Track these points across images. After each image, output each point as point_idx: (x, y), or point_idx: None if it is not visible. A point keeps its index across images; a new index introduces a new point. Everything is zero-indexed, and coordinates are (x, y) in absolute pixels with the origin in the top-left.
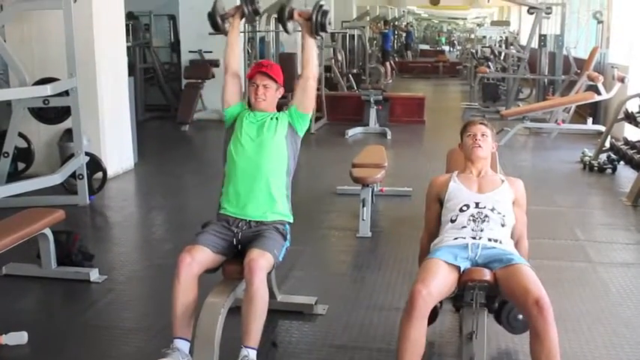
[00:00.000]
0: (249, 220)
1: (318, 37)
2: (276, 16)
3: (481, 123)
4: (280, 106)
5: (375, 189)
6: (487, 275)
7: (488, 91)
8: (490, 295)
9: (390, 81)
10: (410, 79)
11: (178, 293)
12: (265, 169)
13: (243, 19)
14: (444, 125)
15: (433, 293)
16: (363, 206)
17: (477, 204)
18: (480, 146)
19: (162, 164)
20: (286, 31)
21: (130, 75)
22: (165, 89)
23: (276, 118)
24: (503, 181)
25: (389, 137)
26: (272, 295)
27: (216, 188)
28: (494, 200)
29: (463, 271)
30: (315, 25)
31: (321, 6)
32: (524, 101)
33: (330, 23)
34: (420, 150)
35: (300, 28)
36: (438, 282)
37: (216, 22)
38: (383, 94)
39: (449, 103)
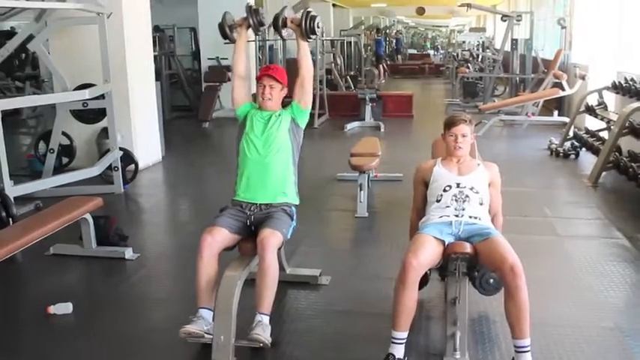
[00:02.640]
0: (260, 204)
1: (311, 40)
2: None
3: (462, 120)
4: (285, 105)
5: (371, 175)
6: (468, 248)
7: (467, 88)
8: (471, 265)
9: (383, 81)
10: (400, 80)
11: (201, 268)
12: (272, 159)
13: (250, 29)
14: (430, 119)
15: (423, 263)
16: (361, 190)
17: (457, 184)
18: (460, 147)
19: (186, 157)
20: (281, 37)
21: (157, 80)
22: (188, 92)
23: (280, 115)
24: (479, 164)
25: (382, 130)
26: (282, 268)
27: (233, 177)
28: (472, 181)
29: (447, 245)
30: (306, 29)
31: (308, 12)
32: (499, 97)
33: (319, 27)
34: (409, 140)
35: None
36: (427, 253)
37: (225, 32)
38: (377, 93)
39: (434, 99)
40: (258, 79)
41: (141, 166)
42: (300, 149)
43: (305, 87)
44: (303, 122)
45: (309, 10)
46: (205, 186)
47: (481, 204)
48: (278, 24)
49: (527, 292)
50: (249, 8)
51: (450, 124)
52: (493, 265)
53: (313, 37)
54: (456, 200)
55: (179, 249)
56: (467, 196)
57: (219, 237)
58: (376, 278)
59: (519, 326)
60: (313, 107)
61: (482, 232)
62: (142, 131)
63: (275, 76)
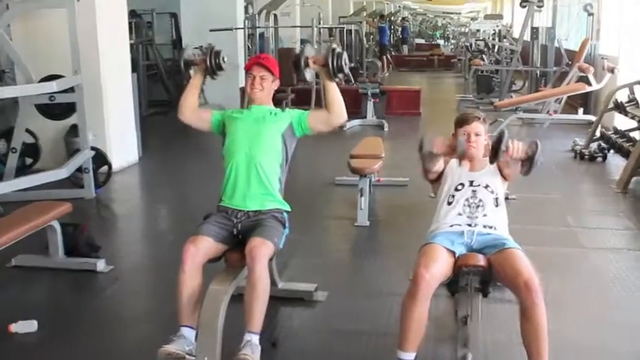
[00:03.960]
0: (247, 211)
1: (337, 80)
2: (275, 13)
3: (475, 118)
4: (279, 101)
5: (373, 179)
6: (481, 260)
7: (482, 83)
8: (484, 280)
9: (387, 74)
10: (406, 73)
11: (183, 282)
12: (260, 160)
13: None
14: (440, 117)
15: (435, 275)
16: (361, 196)
17: (471, 182)
18: (473, 147)
19: (166, 158)
20: (304, 79)
21: (133, 71)
22: (168, 85)
23: (276, 114)
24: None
25: (386, 129)
26: (273, 282)
27: (218, 180)
28: (486, 178)
29: (459, 257)
30: (333, 69)
31: (334, 49)
32: (517, 92)
33: (346, 63)
34: (416, 141)
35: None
36: (439, 266)
37: (180, 66)
38: (380, 87)
39: (444, 95)
40: (247, 69)
41: (115, 167)
42: (294, 150)
43: (328, 127)
44: (301, 135)
45: (333, 47)
46: (187, 190)
47: (497, 205)
48: (300, 66)
49: (545, 311)
50: (208, 49)
51: (461, 121)
52: (506, 280)
53: (341, 76)
54: (469, 206)
55: (158, 260)
56: (480, 200)
57: (204, 247)
58: (378, 294)
59: (537, 350)
60: (307, 103)
61: (497, 243)
62: (117, 128)
63: (267, 66)
